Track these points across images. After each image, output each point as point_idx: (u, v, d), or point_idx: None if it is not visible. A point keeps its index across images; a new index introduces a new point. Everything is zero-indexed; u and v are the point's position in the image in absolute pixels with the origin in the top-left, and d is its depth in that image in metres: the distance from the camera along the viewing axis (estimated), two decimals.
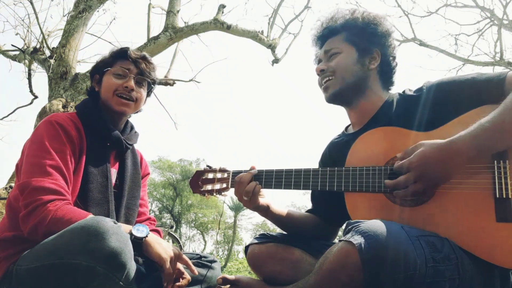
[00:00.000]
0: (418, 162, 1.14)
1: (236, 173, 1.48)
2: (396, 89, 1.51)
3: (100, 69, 1.53)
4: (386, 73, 1.48)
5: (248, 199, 1.41)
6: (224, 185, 1.49)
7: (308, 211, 1.66)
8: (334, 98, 1.48)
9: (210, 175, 1.53)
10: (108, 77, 1.49)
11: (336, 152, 1.55)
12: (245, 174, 1.42)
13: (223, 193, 1.50)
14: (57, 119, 1.35)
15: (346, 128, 1.62)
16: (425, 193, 1.17)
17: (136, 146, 1.64)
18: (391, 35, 1.48)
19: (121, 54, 1.51)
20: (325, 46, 1.51)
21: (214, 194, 1.51)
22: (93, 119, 1.45)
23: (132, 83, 1.48)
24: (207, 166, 1.56)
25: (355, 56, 1.44)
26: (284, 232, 1.60)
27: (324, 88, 1.49)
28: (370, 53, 1.45)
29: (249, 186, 1.40)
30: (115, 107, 1.47)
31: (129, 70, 1.49)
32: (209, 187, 1.52)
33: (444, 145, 1.14)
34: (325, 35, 1.52)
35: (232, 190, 1.50)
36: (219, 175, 1.51)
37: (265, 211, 1.48)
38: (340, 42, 1.47)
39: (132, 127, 1.62)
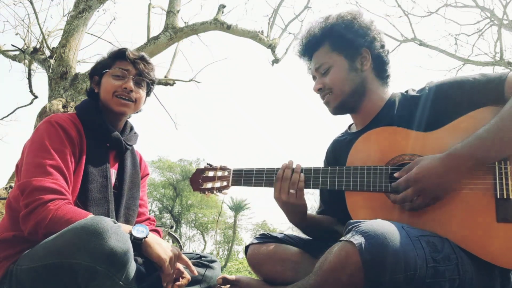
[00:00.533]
0: (419, 175, 1.15)
1: (236, 171, 1.48)
2: (397, 89, 1.50)
3: (99, 70, 1.52)
4: (380, 67, 1.46)
5: (294, 192, 1.36)
6: (225, 183, 1.49)
7: (319, 212, 1.65)
8: (338, 111, 1.48)
9: (211, 173, 1.53)
10: (107, 78, 1.49)
11: (339, 150, 1.55)
12: (288, 171, 1.38)
13: (223, 191, 1.50)
14: (57, 120, 1.35)
15: (349, 126, 1.62)
16: (429, 205, 1.18)
17: (135, 146, 1.64)
18: (372, 26, 1.45)
19: (119, 55, 1.51)
20: (313, 63, 1.49)
21: (215, 192, 1.51)
22: (93, 120, 1.45)
23: (131, 84, 1.48)
24: (208, 164, 1.56)
25: (346, 65, 1.43)
26: (285, 232, 1.59)
27: (326, 104, 1.49)
28: (360, 55, 1.43)
29: (294, 178, 1.37)
30: (115, 108, 1.47)
31: (127, 71, 1.49)
32: (209, 185, 1.52)
33: (443, 158, 1.15)
34: (309, 50, 1.50)
35: (232, 188, 1.50)
36: (219, 173, 1.51)
37: (304, 213, 1.45)
38: (327, 54, 1.45)
39: (131, 128, 1.62)
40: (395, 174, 1.22)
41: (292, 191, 1.36)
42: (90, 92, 1.56)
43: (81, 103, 1.53)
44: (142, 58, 1.53)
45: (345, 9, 1.48)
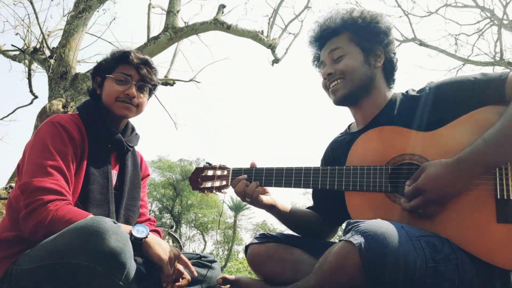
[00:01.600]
0: (427, 185, 1.15)
1: (236, 171, 1.48)
2: (397, 89, 1.51)
3: (101, 72, 1.51)
4: (389, 70, 1.48)
5: (250, 202, 1.44)
6: (224, 183, 1.49)
7: (309, 207, 1.66)
8: (343, 100, 1.46)
9: (210, 172, 1.52)
10: (110, 82, 1.48)
11: (338, 151, 1.55)
12: (239, 184, 1.43)
13: (222, 190, 1.50)
14: (60, 120, 1.35)
15: (349, 126, 1.62)
16: (437, 211, 1.18)
17: (136, 147, 1.64)
18: (391, 31, 1.48)
19: (122, 58, 1.49)
20: (328, 47, 1.48)
21: (214, 191, 1.50)
22: (95, 121, 1.45)
23: (133, 90, 1.47)
24: (207, 163, 1.55)
25: (361, 57, 1.43)
26: (285, 232, 1.60)
27: (332, 91, 1.46)
28: (375, 52, 1.45)
29: (248, 190, 1.42)
30: (117, 112, 1.47)
31: (130, 76, 1.47)
32: (208, 184, 1.51)
33: (452, 164, 1.14)
34: (325, 36, 1.50)
35: (231, 188, 1.50)
36: (218, 172, 1.51)
37: (270, 209, 1.51)
38: (344, 42, 1.45)
39: (133, 129, 1.62)
40: (406, 183, 1.21)
41: (248, 199, 1.43)
42: (91, 92, 1.55)
43: (82, 104, 1.52)
44: (146, 63, 1.51)
45: (371, 9, 1.50)
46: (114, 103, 1.46)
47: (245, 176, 1.45)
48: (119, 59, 1.49)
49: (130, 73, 1.48)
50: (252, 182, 1.43)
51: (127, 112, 1.48)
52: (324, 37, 1.50)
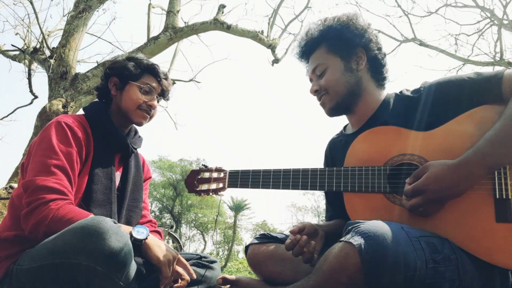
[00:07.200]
0: (428, 186, 1.14)
1: (233, 173, 1.47)
2: (395, 89, 1.50)
3: (124, 76, 1.52)
4: (376, 68, 1.47)
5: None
6: (221, 185, 1.47)
7: (329, 218, 1.63)
8: (333, 112, 1.48)
9: (206, 175, 1.51)
10: (134, 90, 1.50)
11: (335, 151, 1.55)
12: (296, 249, 1.29)
13: (219, 193, 1.48)
14: (66, 121, 1.36)
15: (345, 127, 1.61)
16: (437, 209, 1.18)
17: (138, 148, 1.65)
18: (369, 28, 1.46)
19: (150, 70, 1.54)
20: (310, 64, 1.51)
21: (211, 194, 1.48)
22: (104, 123, 1.46)
23: (155, 102, 1.54)
24: (203, 165, 1.54)
25: (341, 66, 1.43)
26: (285, 232, 1.59)
27: (322, 105, 1.50)
28: (355, 55, 1.44)
29: (308, 252, 1.27)
30: (135, 119, 1.51)
31: (154, 88, 1.53)
32: (205, 186, 1.50)
33: (455, 166, 1.13)
34: (307, 52, 1.51)
35: (228, 190, 1.48)
36: (215, 175, 1.49)
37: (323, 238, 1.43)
38: (323, 55, 1.46)
39: (136, 132, 1.64)
40: (407, 180, 1.21)
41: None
42: (105, 92, 1.55)
43: (90, 105, 1.54)
44: (167, 78, 1.59)
45: (343, 11, 1.49)
46: (135, 110, 1.50)
47: (298, 236, 1.30)
48: (146, 69, 1.54)
49: (154, 84, 1.53)
50: (310, 242, 1.30)
51: (143, 121, 1.53)
52: (306, 53, 1.52)
